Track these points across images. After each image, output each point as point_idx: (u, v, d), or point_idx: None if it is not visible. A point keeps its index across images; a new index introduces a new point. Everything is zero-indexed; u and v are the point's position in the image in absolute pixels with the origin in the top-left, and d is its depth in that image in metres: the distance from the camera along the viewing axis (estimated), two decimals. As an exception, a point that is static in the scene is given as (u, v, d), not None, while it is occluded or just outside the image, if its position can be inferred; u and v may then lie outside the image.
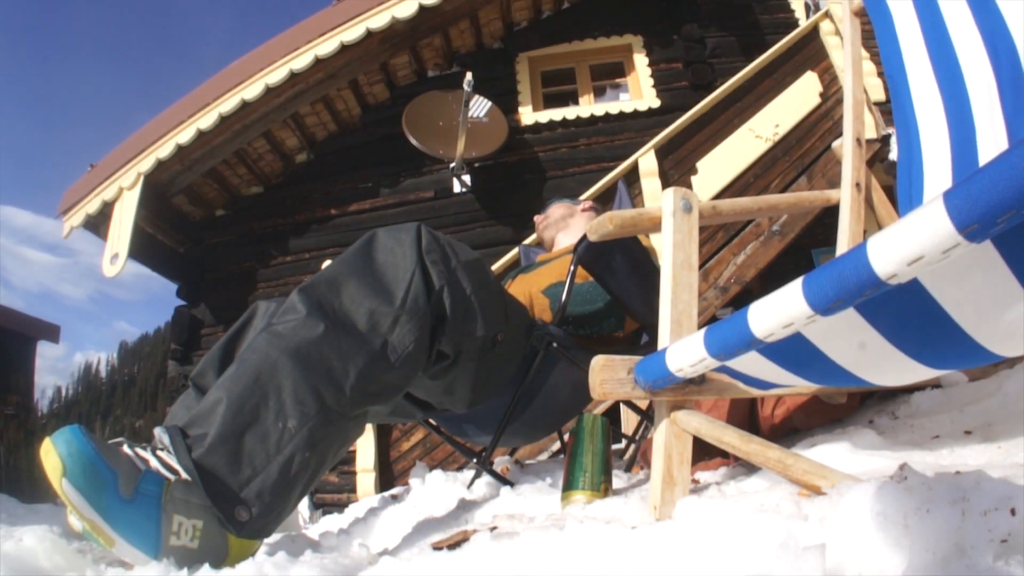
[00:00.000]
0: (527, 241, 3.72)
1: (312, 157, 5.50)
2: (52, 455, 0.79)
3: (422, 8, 4.75)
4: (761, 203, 1.37)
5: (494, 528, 0.91)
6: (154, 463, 0.86)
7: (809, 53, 4.56)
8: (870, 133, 4.08)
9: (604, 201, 3.50)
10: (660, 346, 0.94)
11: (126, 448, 0.87)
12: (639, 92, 5.47)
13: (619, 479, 1.32)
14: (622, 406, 2.86)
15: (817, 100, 4.38)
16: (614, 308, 1.56)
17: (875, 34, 1.41)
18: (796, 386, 0.90)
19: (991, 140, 1.12)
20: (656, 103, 5.30)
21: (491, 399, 1.35)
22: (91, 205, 4.82)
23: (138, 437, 0.96)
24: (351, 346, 0.97)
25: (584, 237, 1.26)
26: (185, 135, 4.74)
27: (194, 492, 0.85)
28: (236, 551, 0.89)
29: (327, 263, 1.11)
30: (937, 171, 1.21)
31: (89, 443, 0.81)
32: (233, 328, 1.20)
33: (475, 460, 1.44)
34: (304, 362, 0.94)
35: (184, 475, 0.86)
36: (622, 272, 1.47)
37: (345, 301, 1.01)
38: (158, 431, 0.91)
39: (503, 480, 1.41)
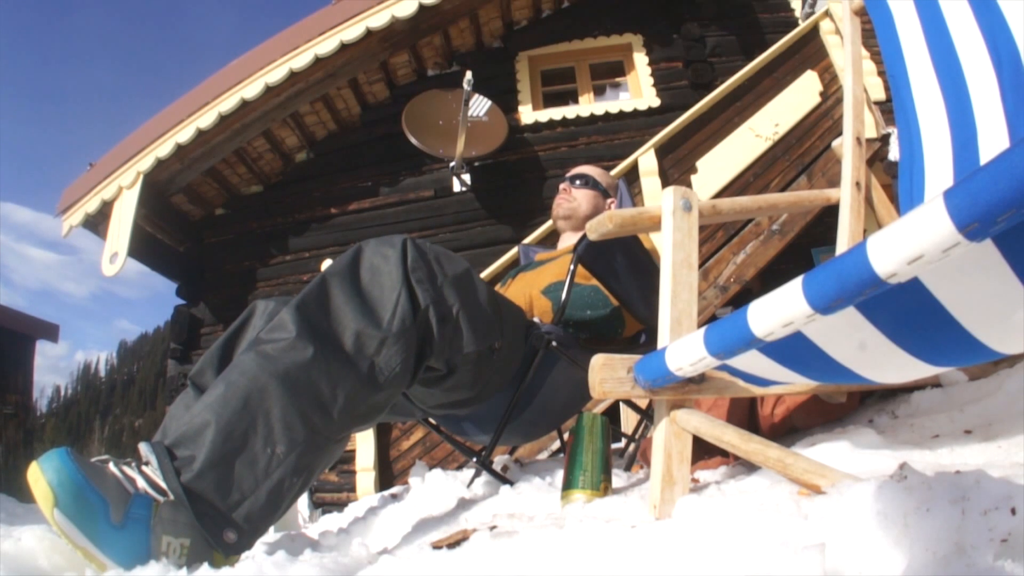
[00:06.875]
0: (527, 240, 3.72)
1: (312, 156, 5.49)
2: (42, 483, 0.80)
3: (422, 7, 4.74)
4: (761, 202, 1.37)
5: (493, 527, 0.91)
6: (141, 483, 0.87)
7: (809, 52, 4.56)
8: (870, 132, 4.08)
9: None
10: (660, 345, 0.94)
11: (112, 467, 0.87)
12: (639, 91, 5.46)
13: (619, 478, 1.32)
14: (622, 405, 2.86)
15: (817, 99, 4.38)
16: (615, 314, 1.55)
17: (876, 33, 1.41)
18: (796, 383, 0.90)
19: (992, 139, 1.12)
20: (656, 102, 5.30)
21: (491, 398, 1.35)
22: (90, 204, 4.81)
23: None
24: (339, 370, 0.98)
25: (584, 236, 1.26)
26: (185, 134, 4.74)
27: (182, 512, 0.86)
28: (221, 561, 0.91)
29: (327, 263, 1.13)
30: (939, 170, 1.21)
31: (78, 470, 0.81)
32: (232, 327, 1.21)
33: (475, 459, 1.44)
34: (293, 387, 0.94)
35: (172, 497, 0.87)
36: (622, 271, 1.47)
37: (333, 322, 1.01)
38: (143, 448, 0.91)
39: (503, 479, 1.41)
